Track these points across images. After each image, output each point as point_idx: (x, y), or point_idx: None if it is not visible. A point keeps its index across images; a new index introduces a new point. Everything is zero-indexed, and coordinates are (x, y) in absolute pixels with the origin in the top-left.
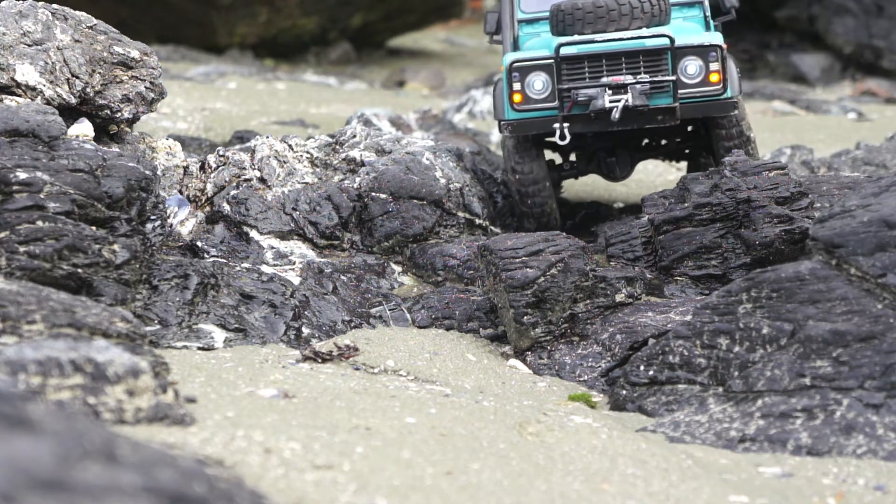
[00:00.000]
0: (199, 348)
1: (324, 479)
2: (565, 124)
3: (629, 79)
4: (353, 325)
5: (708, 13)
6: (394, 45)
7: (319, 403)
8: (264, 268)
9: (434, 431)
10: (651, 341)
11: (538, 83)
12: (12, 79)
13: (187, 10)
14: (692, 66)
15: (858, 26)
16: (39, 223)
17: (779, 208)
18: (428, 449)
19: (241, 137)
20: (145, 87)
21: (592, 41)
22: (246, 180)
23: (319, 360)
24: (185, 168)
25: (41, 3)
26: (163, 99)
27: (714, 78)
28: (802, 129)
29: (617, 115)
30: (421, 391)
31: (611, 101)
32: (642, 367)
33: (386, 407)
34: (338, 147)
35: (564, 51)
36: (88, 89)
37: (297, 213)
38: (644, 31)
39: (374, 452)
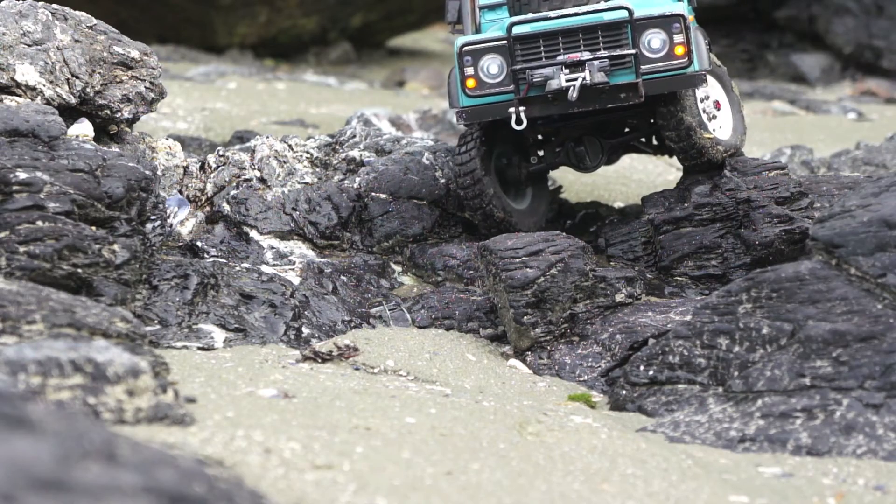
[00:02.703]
0: (199, 348)
1: (324, 479)
2: (521, 108)
3: (586, 55)
4: (353, 325)
5: None
6: (394, 45)
7: (319, 403)
8: (264, 268)
9: (434, 431)
10: (651, 341)
11: (493, 67)
12: (12, 79)
13: (187, 10)
14: (656, 39)
15: (858, 26)
16: (39, 223)
17: (779, 208)
18: (428, 449)
19: (241, 137)
20: (145, 87)
21: (547, 18)
22: (246, 180)
23: (319, 360)
24: (185, 168)
25: (41, 3)
26: (163, 99)
27: (679, 50)
28: (802, 129)
29: (575, 95)
30: (421, 391)
31: (567, 80)
32: (642, 367)
33: (386, 407)
34: (338, 147)
35: (517, 30)
36: (88, 89)
37: (297, 213)
38: (602, 5)
39: (374, 452)
